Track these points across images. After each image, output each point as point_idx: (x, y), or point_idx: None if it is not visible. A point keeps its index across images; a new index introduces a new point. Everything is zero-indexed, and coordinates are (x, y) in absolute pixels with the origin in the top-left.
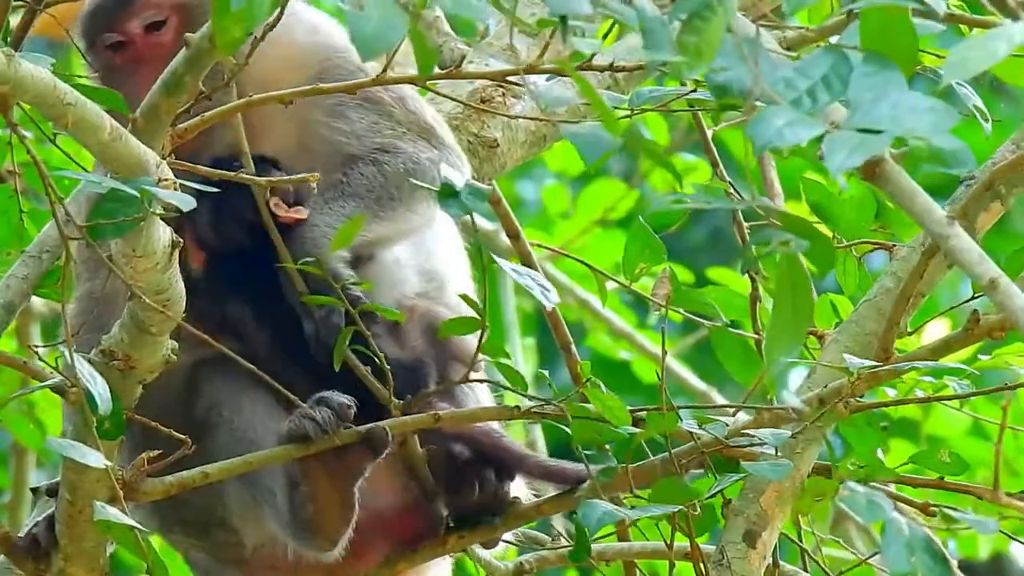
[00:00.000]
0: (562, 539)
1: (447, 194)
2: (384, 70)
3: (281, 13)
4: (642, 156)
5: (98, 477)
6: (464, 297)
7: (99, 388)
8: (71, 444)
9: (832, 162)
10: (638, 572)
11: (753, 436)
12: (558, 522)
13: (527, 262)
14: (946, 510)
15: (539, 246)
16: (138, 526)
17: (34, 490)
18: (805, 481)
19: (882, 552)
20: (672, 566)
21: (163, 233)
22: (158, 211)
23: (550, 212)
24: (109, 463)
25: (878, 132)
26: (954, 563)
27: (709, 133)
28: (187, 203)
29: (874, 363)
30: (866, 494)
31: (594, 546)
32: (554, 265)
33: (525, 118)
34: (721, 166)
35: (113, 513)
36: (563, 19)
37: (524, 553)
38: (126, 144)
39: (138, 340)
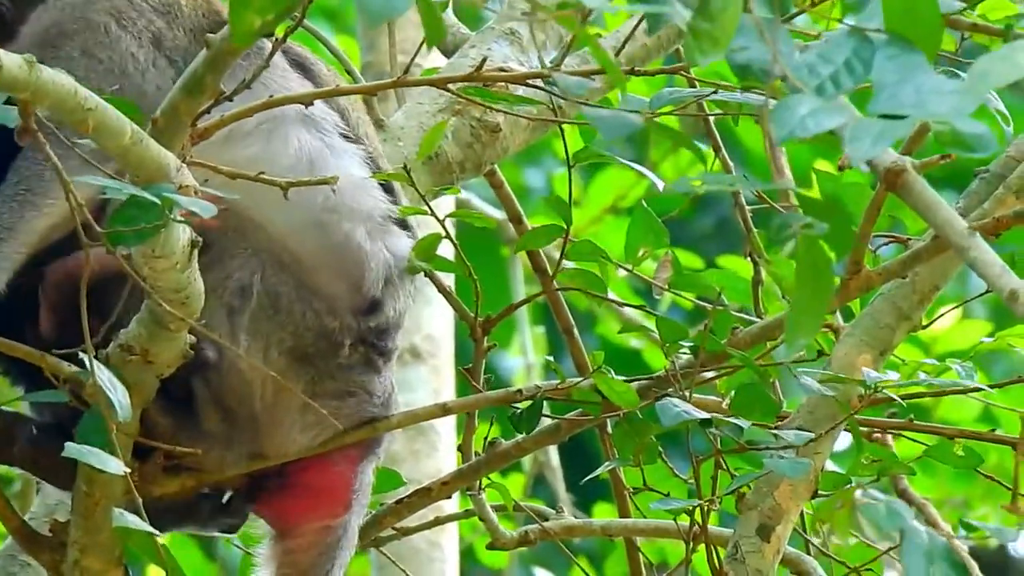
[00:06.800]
0: (565, 512)
1: None
2: (405, 71)
3: (304, 13)
4: (653, 145)
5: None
6: None
7: (119, 396)
8: (90, 451)
9: (856, 151)
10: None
11: (776, 437)
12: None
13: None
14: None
15: None
16: (157, 533)
17: None
18: (820, 477)
19: (901, 560)
20: (688, 546)
21: (182, 233)
22: (178, 218)
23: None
24: (128, 470)
25: (902, 118)
26: (975, 570)
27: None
28: (207, 209)
29: (890, 379)
30: (885, 502)
31: (598, 521)
32: None
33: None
34: (724, 151)
35: (132, 520)
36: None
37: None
38: (147, 148)
39: (156, 336)
